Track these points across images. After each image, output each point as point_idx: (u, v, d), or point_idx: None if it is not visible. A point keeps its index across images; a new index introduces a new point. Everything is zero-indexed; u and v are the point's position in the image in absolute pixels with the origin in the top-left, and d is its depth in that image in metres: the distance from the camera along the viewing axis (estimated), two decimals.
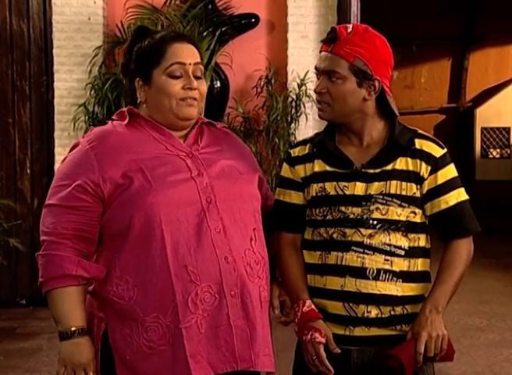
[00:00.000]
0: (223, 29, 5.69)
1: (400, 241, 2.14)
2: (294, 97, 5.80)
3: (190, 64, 2.12)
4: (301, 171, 2.23)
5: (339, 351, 2.13)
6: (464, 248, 2.18)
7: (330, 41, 2.15)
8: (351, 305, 2.13)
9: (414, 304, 2.16)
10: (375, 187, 2.14)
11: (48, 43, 5.93)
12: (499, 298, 6.34)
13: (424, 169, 2.15)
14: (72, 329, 2.03)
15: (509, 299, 6.32)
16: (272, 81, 5.85)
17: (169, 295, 2.00)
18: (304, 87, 5.77)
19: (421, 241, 2.18)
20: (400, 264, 2.14)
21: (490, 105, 11.20)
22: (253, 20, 5.89)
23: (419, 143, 2.17)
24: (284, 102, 5.78)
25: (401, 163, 2.15)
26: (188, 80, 2.11)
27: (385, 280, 2.13)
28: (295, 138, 5.70)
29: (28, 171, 6.04)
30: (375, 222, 2.13)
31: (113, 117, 2.21)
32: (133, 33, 2.25)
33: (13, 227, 5.70)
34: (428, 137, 2.21)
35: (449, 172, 2.18)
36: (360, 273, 2.12)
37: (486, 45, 11.51)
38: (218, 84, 5.79)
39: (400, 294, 2.14)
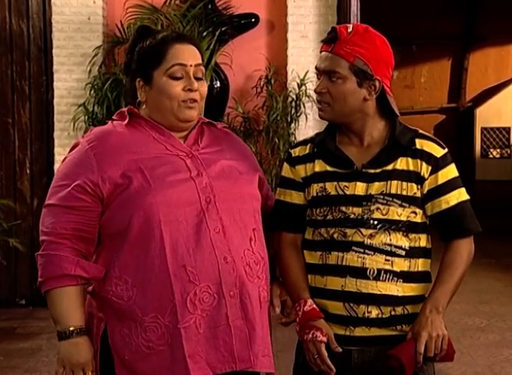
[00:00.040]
0: (223, 29, 5.68)
1: (401, 241, 2.14)
2: (294, 97, 5.80)
3: (191, 65, 2.11)
4: (302, 171, 2.23)
5: (341, 349, 2.13)
6: (465, 248, 2.18)
7: (330, 40, 2.14)
8: (352, 305, 2.13)
9: (414, 304, 2.16)
10: (376, 187, 2.14)
11: (48, 43, 5.92)
12: (499, 298, 6.34)
13: (424, 169, 2.15)
14: (71, 329, 2.03)
15: (509, 299, 6.31)
16: (272, 81, 5.85)
17: (168, 295, 2.00)
18: (303, 87, 5.77)
19: (422, 241, 2.17)
20: (401, 264, 2.14)
21: (490, 105, 11.19)
22: (253, 20, 5.88)
23: (420, 143, 2.17)
24: (284, 102, 5.77)
25: (402, 163, 2.15)
26: (189, 82, 2.11)
27: (385, 281, 2.12)
28: (295, 138, 5.70)
29: (28, 171, 6.04)
30: (376, 222, 2.12)
31: (113, 117, 2.21)
32: (134, 32, 2.25)
33: (13, 227, 5.70)
34: (429, 137, 2.21)
35: (450, 172, 2.18)
36: (360, 273, 2.12)
37: (486, 45, 11.50)
38: (218, 84, 5.78)
39: (400, 294, 2.14)
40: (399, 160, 2.15)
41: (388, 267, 2.12)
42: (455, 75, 11.77)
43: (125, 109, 2.19)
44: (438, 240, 2.22)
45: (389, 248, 2.13)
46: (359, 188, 2.14)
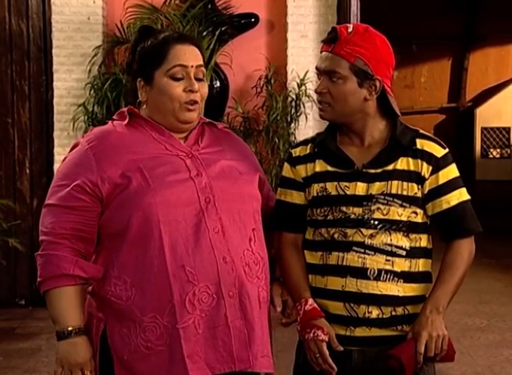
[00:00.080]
0: (223, 28, 5.68)
1: (401, 241, 2.13)
2: (294, 97, 5.80)
3: (192, 66, 2.11)
4: (302, 171, 2.23)
5: (342, 348, 2.13)
6: (466, 248, 2.18)
7: (331, 41, 2.14)
8: (352, 305, 2.13)
9: (415, 304, 2.15)
10: (376, 187, 2.14)
11: (48, 43, 5.92)
12: (499, 299, 6.34)
13: (425, 169, 2.14)
14: (69, 328, 2.03)
15: (509, 299, 6.31)
16: (272, 81, 5.85)
17: (167, 295, 1.99)
18: (303, 87, 5.77)
19: (423, 241, 2.17)
20: (401, 264, 2.13)
21: (490, 104, 11.19)
22: (252, 20, 5.88)
23: (420, 143, 2.17)
24: (284, 102, 5.77)
25: (402, 163, 2.15)
26: (189, 83, 2.11)
27: (386, 281, 2.12)
28: (295, 138, 5.70)
29: (27, 171, 6.04)
30: (376, 222, 2.12)
31: (114, 117, 2.21)
32: (136, 32, 2.25)
33: (12, 227, 5.69)
34: (430, 137, 2.21)
35: (451, 172, 2.17)
36: (361, 273, 2.12)
37: (486, 45, 11.50)
38: (218, 84, 5.78)
39: (401, 294, 2.14)
40: (399, 160, 2.15)
41: (388, 267, 2.12)
42: (455, 75, 11.76)
43: (125, 109, 2.19)
44: (439, 240, 2.21)
45: (389, 248, 2.12)
46: (359, 188, 2.14)
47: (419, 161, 2.15)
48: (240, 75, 5.95)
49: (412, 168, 2.14)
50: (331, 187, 2.17)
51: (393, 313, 2.14)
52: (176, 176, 2.06)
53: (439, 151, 2.17)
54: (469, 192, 2.21)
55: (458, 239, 2.17)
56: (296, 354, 2.28)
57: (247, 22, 5.89)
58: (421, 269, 2.16)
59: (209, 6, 5.76)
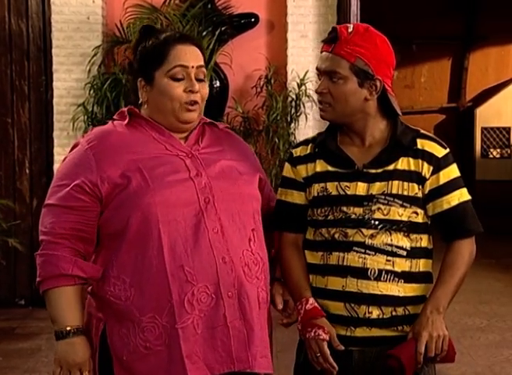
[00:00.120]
0: (223, 28, 5.67)
1: (402, 241, 2.13)
2: (294, 97, 5.79)
3: (192, 67, 2.11)
4: (303, 171, 2.22)
5: (343, 347, 2.13)
6: (467, 248, 2.17)
7: (331, 41, 2.14)
8: (352, 305, 2.13)
9: (415, 304, 2.15)
10: (377, 187, 2.13)
11: (47, 42, 5.91)
12: (499, 299, 6.34)
13: (426, 169, 2.14)
14: (68, 328, 2.03)
15: (509, 299, 6.31)
16: (272, 81, 5.84)
17: (166, 295, 1.99)
18: (303, 87, 5.76)
19: (423, 241, 2.17)
20: (402, 264, 2.13)
21: (490, 104, 11.19)
22: (252, 20, 5.87)
23: (421, 143, 2.16)
24: (284, 102, 5.77)
25: (403, 163, 2.14)
26: (190, 83, 2.10)
27: (386, 281, 2.12)
28: (295, 138, 5.69)
29: (27, 171, 6.04)
30: (377, 222, 2.12)
31: (114, 117, 2.21)
32: (138, 32, 2.25)
33: (12, 227, 5.68)
34: (431, 137, 2.20)
35: (452, 172, 2.17)
36: (361, 273, 2.11)
37: (486, 45, 11.50)
38: (218, 84, 5.77)
39: (401, 294, 2.13)
40: (400, 160, 2.15)
41: (389, 267, 2.12)
42: (455, 75, 11.76)
43: (125, 109, 2.19)
44: (439, 240, 2.21)
45: (390, 249, 2.12)
46: (360, 188, 2.14)
47: (420, 161, 2.14)
48: (239, 75, 5.94)
49: (413, 168, 2.14)
50: (331, 187, 2.17)
51: (394, 313, 2.13)
52: (176, 176, 2.05)
53: (439, 151, 2.16)
54: (469, 192, 2.21)
55: (459, 239, 2.17)
56: (297, 353, 2.28)
57: (246, 22, 5.88)
58: (421, 270, 2.16)
59: (209, 6, 5.75)
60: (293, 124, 5.78)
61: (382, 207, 2.12)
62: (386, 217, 2.12)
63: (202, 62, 2.15)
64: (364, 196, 2.13)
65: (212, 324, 2.02)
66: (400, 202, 2.13)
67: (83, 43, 5.82)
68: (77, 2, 5.84)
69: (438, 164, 2.15)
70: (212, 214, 2.05)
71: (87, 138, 2.12)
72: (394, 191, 2.13)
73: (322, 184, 2.18)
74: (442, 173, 2.15)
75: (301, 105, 5.78)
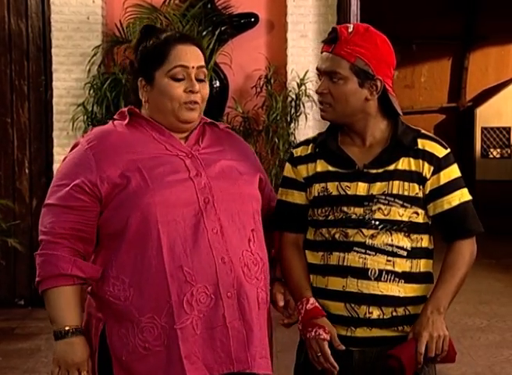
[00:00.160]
0: (222, 28, 5.67)
1: (403, 241, 2.13)
2: (294, 96, 5.79)
3: (193, 67, 2.11)
4: (304, 171, 2.22)
5: (344, 347, 2.12)
6: (467, 248, 2.17)
7: (331, 41, 2.14)
8: (353, 305, 2.12)
9: (416, 305, 2.15)
10: (378, 188, 2.13)
11: (47, 42, 5.91)
12: (499, 299, 6.34)
13: (426, 169, 2.14)
14: (66, 328, 2.02)
15: (509, 300, 6.31)
16: (272, 81, 5.84)
17: (164, 296, 1.99)
18: (303, 87, 5.76)
19: (424, 241, 2.16)
20: (403, 265, 2.13)
21: (490, 104, 11.19)
22: (252, 20, 5.87)
23: (422, 143, 2.16)
24: (283, 102, 5.76)
25: (404, 163, 2.14)
26: (190, 83, 2.10)
27: (387, 281, 2.12)
28: (294, 138, 5.69)
29: (27, 171, 6.03)
30: (377, 222, 2.12)
31: (114, 117, 2.21)
32: (139, 31, 2.25)
33: (12, 227, 5.68)
34: (431, 137, 2.20)
35: (453, 172, 2.17)
36: (362, 273, 2.11)
37: (486, 45, 11.50)
38: (218, 84, 5.77)
39: (402, 295, 2.13)
40: (401, 160, 2.14)
41: (389, 268, 2.11)
42: (455, 75, 11.76)
43: (125, 109, 2.18)
44: (440, 240, 2.21)
45: (390, 249, 2.12)
46: (360, 188, 2.13)
47: (420, 161, 2.14)
48: (239, 75, 5.94)
49: (413, 168, 2.14)
50: (332, 187, 2.16)
51: (394, 314, 2.13)
52: (175, 176, 2.05)
53: (440, 152, 2.16)
54: (469, 192, 2.20)
55: (459, 240, 2.17)
56: (298, 353, 2.28)
57: (246, 21, 5.88)
58: (422, 270, 2.16)
59: (209, 6, 5.75)
60: (292, 124, 5.78)
61: (383, 207, 2.12)
62: (387, 217, 2.11)
63: (203, 63, 2.15)
64: (364, 196, 2.13)
65: (211, 325, 2.01)
66: (401, 202, 2.12)
67: (82, 43, 5.82)
68: (77, 2, 5.84)
69: (438, 164, 2.14)
70: (212, 214, 2.04)
71: (87, 138, 2.12)
72: (395, 191, 2.12)
73: (323, 184, 2.18)
74: (442, 173, 2.15)
75: (301, 105, 5.77)
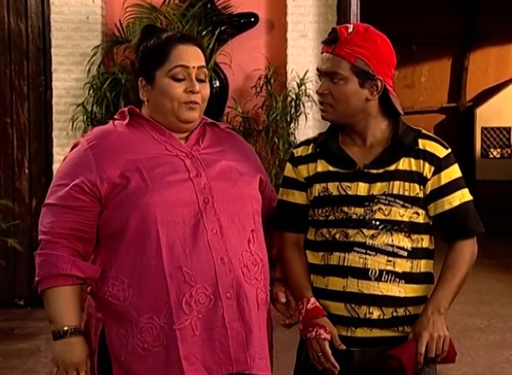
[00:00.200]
0: (222, 28, 5.67)
1: (403, 241, 2.13)
2: (294, 96, 5.78)
3: (193, 67, 2.10)
4: (304, 171, 2.22)
5: (344, 347, 2.12)
6: (468, 249, 2.17)
7: (331, 41, 2.13)
8: (353, 306, 2.12)
9: (416, 305, 2.15)
10: (378, 188, 2.13)
11: (47, 42, 5.90)
12: (499, 299, 6.34)
13: (427, 169, 2.13)
14: (65, 328, 2.02)
15: (509, 300, 6.31)
16: (272, 81, 5.83)
17: (163, 296, 1.99)
18: (303, 87, 5.75)
19: (425, 241, 2.16)
20: (403, 265, 2.12)
21: (490, 104, 11.19)
22: (252, 19, 5.87)
23: (422, 143, 2.16)
24: (283, 102, 5.76)
25: (404, 164, 2.14)
26: (190, 84, 2.10)
27: (387, 281, 2.11)
28: (294, 138, 5.69)
29: (26, 171, 6.03)
30: (378, 222, 2.11)
31: (115, 117, 2.20)
32: (140, 31, 2.24)
33: (11, 227, 5.67)
34: (432, 137, 2.20)
35: (453, 172, 2.16)
36: (362, 273, 2.11)
37: (486, 45, 11.50)
38: (218, 84, 5.76)
39: (402, 295, 2.13)
40: (401, 160, 2.14)
41: (390, 268, 2.11)
42: (455, 75, 11.76)
43: (126, 109, 2.18)
44: (441, 240, 2.20)
45: (391, 249, 2.12)
46: (361, 188, 2.13)
47: (421, 161, 2.14)
48: (239, 75, 5.93)
49: (414, 168, 2.13)
50: (332, 188, 2.16)
51: (394, 314, 2.13)
52: (175, 176, 2.05)
53: (441, 152, 2.16)
54: (469, 192, 2.20)
55: (460, 240, 2.16)
56: (298, 353, 2.27)
57: (246, 21, 5.87)
58: (422, 270, 2.15)
59: (208, 6, 5.74)
60: (292, 124, 5.78)
61: (383, 207, 2.12)
62: (387, 217, 2.11)
63: (203, 63, 2.14)
64: (365, 196, 2.13)
65: (210, 325, 2.01)
66: (401, 203, 2.12)
67: (82, 43, 5.81)
68: (77, 2, 5.83)
69: (439, 164, 2.14)
70: (211, 215, 2.04)
71: (87, 138, 2.12)
72: (395, 192, 2.12)
73: (323, 184, 2.17)
74: (443, 173, 2.14)
75: (301, 105, 5.77)
